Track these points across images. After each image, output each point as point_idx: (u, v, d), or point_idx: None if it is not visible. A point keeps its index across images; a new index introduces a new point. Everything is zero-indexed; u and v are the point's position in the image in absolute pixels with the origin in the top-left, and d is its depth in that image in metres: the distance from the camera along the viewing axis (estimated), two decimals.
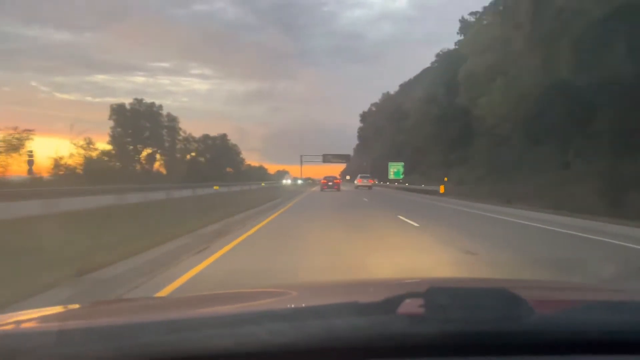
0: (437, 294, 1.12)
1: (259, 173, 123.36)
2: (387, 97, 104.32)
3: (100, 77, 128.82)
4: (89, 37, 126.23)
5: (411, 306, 1.07)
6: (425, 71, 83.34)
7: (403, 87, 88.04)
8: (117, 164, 53.50)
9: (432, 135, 52.13)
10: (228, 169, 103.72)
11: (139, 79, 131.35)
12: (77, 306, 2.11)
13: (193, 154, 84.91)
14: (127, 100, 58.45)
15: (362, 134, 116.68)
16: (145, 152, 60.03)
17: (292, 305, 1.54)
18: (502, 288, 1.17)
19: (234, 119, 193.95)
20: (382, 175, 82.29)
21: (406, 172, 73.98)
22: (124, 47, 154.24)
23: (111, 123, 57.65)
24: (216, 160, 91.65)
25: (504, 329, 1.05)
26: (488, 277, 5.19)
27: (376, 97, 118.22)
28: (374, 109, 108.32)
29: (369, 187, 44.58)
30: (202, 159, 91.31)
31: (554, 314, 1.19)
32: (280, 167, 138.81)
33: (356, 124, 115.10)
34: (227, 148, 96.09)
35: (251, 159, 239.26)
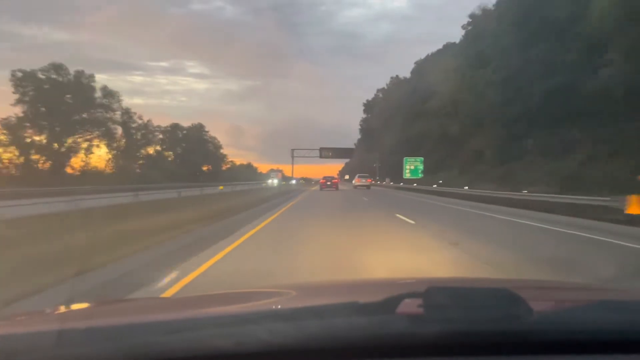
0: (436, 293, 1.11)
1: (247, 172, 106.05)
2: (397, 81, 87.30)
3: (98, 77, 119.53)
4: (86, 36, 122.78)
5: (410, 306, 1.06)
6: (449, 47, 66.37)
7: (420, 65, 71.01)
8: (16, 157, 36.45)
9: (481, 114, 35.10)
10: (205, 167, 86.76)
11: (137, 78, 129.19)
12: (77, 306, 2.03)
13: (157, 147, 67.79)
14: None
15: (366, 127, 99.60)
16: (71, 141, 42.63)
17: (292, 306, 1.51)
18: (502, 288, 1.17)
19: (231, 118, 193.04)
20: (394, 173, 65.38)
21: (428, 170, 57.11)
22: (122, 47, 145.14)
23: (17, 99, 39.70)
24: (188, 155, 74.71)
25: (503, 329, 1.03)
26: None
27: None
28: (380, 95, 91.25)
29: (368, 187, 44.62)
30: (169, 154, 74.40)
31: (553, 313, 1.20)
32: (278, 167, 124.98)
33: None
34: (203, 141, 79.11)
35: (248, 158, 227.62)
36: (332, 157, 70.29)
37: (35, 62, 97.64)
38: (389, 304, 1.08)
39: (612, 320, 1.13)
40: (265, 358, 0.97)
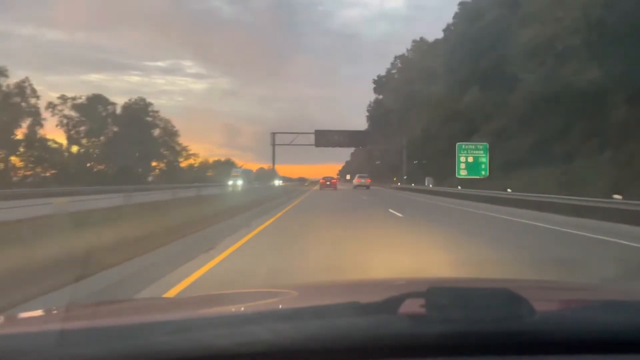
0: (438, 293, 1.12)
1: (224, 171, 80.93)
2: (421, 44, 63.19)
3: (95, 77, 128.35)
4: (83, 36, 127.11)
5: (412, 306, 1.06)
6: None
7: (467, 5, 46.58)
8: None
9: None
10: (155, 164, 62.52)
11: (134, 78, 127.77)
12: (78, 307, 2.01)
13: (60, 130, 43.04)
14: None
15: (376, 112, 75.29)
16: None
17: (294, 306, 1.50)
18: (503, 288, 1.16)
19: (227, 118, 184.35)
20: (434, 169, 41.43)
21: (506, 164, 33.48)
22: (118, 46, 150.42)
23: None
24: (120, 146, 50.36)
25: (504, 329, 1.03)
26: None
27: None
28: (399, 64, 66.99)
29: (367, 187, 42.13)
30: (90, 144, 49.75)
31: (554, 313, 1.19)
32: (274, 167, 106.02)
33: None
34: (147, 126, 54.91)
35: (245, 159, 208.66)
36: (334, 144, 46.08)
37: (30, 62, 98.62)
38: (390, 304, 1.07)
39: (613, 320, 1.11)
40: (266, 358, 0.96)
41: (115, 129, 50.07)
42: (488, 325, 1.02)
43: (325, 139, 45.25)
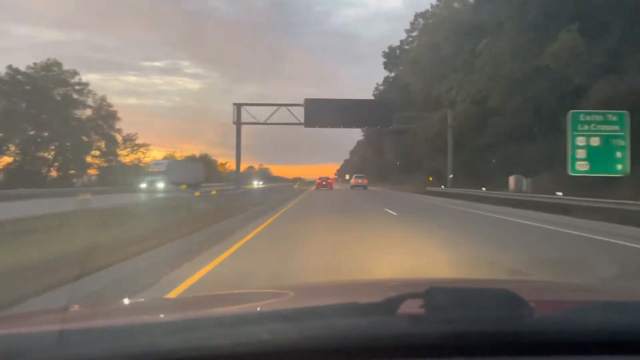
0: (437, 294, 1.11)
1: (191, 170, 62.99)
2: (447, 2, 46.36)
3: (92, 77, 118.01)
4: (80, 35, 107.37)
5: (411, 306, 1.06)
6: None
7: None
8: None
9: None
10: (90, 159, 45.63)
11: (132, 78, 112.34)
12: (78, 307, 1.99)
13: None
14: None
15: (387, 93, 58.42)
16: None
17: (293, 306, 1.50)
18: (502, 288, 1.16)
19: (224, 118, 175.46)
20: (504, 163, 24.85)
21: None
22: (116, 46, 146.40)
23: None
24: (12, 131, 33.62)
25: (504, 330, 1.03)
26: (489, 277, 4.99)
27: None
28: (421, 24, 50.09)
29: (364, 187, 41.65)
30: None
31: (554, 314, 1.18)
32: (271, 168, 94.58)
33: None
34: (64, 103, 38.34)
35: (245, 160, 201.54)
36: (332, 124, 29.32)
37: (28, 61, 70.86)
38: (390, 305, 1.07)
39: (612, 321, 1.11)
40: (265, 358, 0.96)
41: (3, 102, 33.01)
42: (487, 325, 1.01)
43: (320, 116, 28.68)
